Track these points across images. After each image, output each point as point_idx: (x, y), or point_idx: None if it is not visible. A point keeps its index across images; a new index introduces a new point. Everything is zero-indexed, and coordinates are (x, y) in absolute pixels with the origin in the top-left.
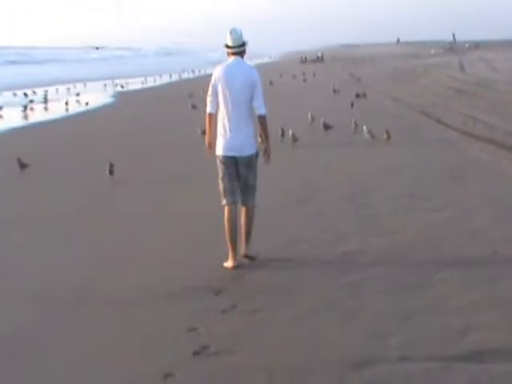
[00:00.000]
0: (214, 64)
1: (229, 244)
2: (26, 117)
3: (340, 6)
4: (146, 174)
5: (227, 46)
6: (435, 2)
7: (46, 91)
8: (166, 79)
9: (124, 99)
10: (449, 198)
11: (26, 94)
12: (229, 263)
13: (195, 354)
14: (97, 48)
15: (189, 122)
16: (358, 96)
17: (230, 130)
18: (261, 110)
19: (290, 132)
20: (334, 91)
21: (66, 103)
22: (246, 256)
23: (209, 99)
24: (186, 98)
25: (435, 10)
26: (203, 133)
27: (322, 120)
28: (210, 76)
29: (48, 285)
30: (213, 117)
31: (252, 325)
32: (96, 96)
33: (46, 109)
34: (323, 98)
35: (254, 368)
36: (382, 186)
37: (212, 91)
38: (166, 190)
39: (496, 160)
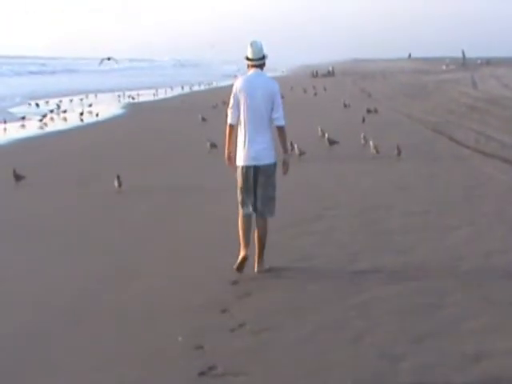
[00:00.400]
0: (229, 77)
1: (241, 239)
2: (42, 127)
3: (351, 20)
4: (152, 185)
5: (247, 59)
6: (447, 19)
7: (61, 101)
8: (177, 91)
9: (134, 111)
10: (463, 217)
11: (37, 105)
12: (240, 256)
13: (201, 374)
14: (108, 59)
15: (198, 134)
16: (369, 111)
17: (250, 140)
18: (280, 121)
19: (296, 146)
20: (345, 106)
21: (81, 114)
22: (259, 272)
23: (230, 111)
24: (196, 110)
25: (447, 26)
26: (211, 146)
27: (326, 135)
28: (221, 89)
29: (47, 295)
30: (233, 128)
31: (260, 345)
32: (107, 107)
33: (62, 119)
34: (334, 113)
35: None
36: (394, 202)
37: (233, 103)
38: (170, 202)
39: (510, 179)
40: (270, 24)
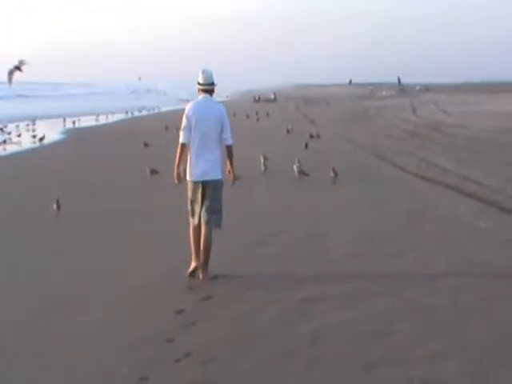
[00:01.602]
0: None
1: (192, 250)
2: None
3: (292, 46)
4: (90, 210)
5: (199, 83)
6: (386, 45)
7: (5, 126)
8: (120, 117)
9: (75, 136)
10: (407, 243)
11: None
12: (191, 266)
13: None
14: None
15: (139, 160)
16: (311, 137)
17: (199, 158)
18: (229, 140)
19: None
20: (288, 131)
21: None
22: (203, 279)
23: (182, 132)
24: (138, 136)
25: (387, 53)
26: (152, 172)
27: (265, 163)
28: (167, 113)
29: None
30: (185, 147)
31: (207, 375)
32: (49, 132)
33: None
34: (277, 138)
35: None
36: (338, 227)
37: (185, 124)
38: (110, 227)
39: (452, 204)
40: (214, 48)
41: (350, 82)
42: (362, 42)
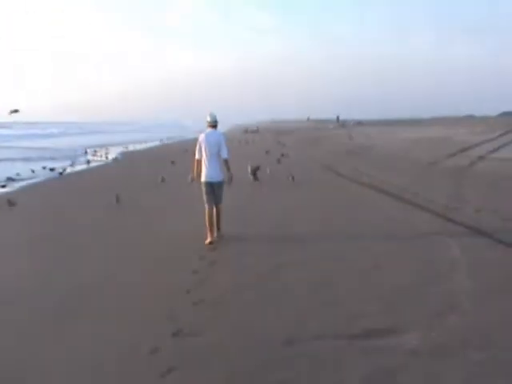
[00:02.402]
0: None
1: (208, 229)
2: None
3: (268, 93)
4: (135, 202)
5: (207, 121)
6: (335, 88)
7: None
8: (155, 143)
9: (127, 156)
10: (345, 225)
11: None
12: (207, 240)
13: (174, 335)
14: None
15: (165, 170)
16: (282, 155)
17: (208, 167)
18: (224, 155)
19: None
20: (266, 152)
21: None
22: (218, 236)
23: (197, 151)
24: (167, 155)
25: (336, 96)
26: (162, 180)
27: (249, 168)
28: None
29: None
30: (199, 161)
31: (216, 313)
32: (112, 153)
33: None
34: (259, 157)
35: None
36: (298, 214)
37: (198, 147)
38: (149, 213)
39: (374, 199)
40: (213, 95)
41: (308, 118)
42: (319, 85)
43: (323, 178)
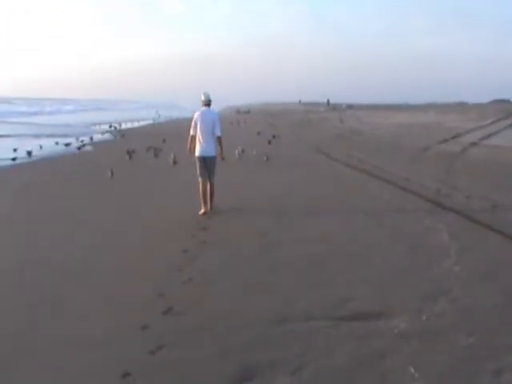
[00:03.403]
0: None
1: (202, 200)
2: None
3: (264, 72)
4: (130, 177)
5: (202, 100)
6: (326, 73)
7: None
8: (149, 121)
9: (121, 133)
10: (338, 205)
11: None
12: (202, 211)
13: (164, 313)
14: None
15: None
16: (273, 137)
17: (202, 143)
18: (218, 133)
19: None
20: (258, 133)
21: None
22: (211, 209)
23: (192, 128)
24: (160, 135)
25: (326, 79)
26: (155, 152)
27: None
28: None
29: None
30: (193, 137)
31: (204, 291)
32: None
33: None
34: (250, 138)
35: None
36: (290, 192)
37: (194, 124)
38: (144, 187)
39: (365, 182)
40: (210, 78)
41: (300, 101)
42: (310, 73)
43: (313, 160)
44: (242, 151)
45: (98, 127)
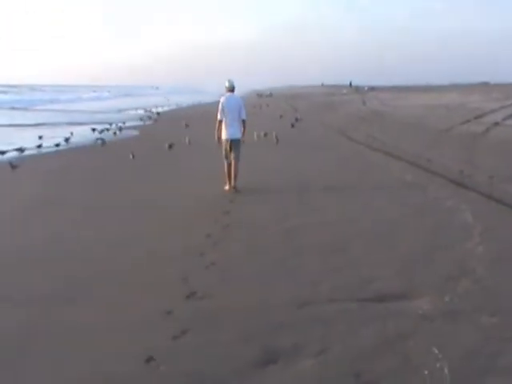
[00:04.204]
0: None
1: (227, 178)
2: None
3: (288, 56)
4: (154, 156)
5: (226, 87)
6: (351, 56)
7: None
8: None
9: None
10: (360, 187)
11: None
12: (226, 187)
13: (187, 297)
14: None
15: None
16: (296, 120)
17: (229, 127)
18: (244, 116)
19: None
20: (280, 116)
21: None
22: (234, 187)
23: (219, 113)
24: (182, 118)
25: (350, 61)
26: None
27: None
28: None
29: None
30: (221, 122)
31: (225, 277)
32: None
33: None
34: (273, 121)
35: None
36: (316, 178)
37: (221, 109)
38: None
39: (387, 164)
40: (225, 57)
41: (322, 84)
42: (333, 55)
43: (336, 143)
44: (265, 135)
45: (133, 112)
